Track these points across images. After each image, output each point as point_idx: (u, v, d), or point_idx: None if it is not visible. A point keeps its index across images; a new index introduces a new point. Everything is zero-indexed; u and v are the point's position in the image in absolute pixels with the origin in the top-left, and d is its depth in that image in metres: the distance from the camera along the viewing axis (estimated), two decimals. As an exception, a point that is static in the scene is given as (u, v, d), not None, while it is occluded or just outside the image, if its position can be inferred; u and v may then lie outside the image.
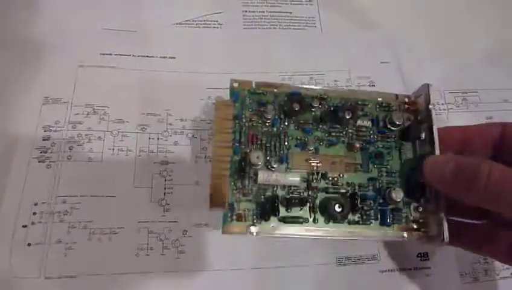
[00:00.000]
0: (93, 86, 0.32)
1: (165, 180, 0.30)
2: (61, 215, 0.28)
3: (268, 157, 0.25)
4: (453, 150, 0.26)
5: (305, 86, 0.27)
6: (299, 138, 0.26)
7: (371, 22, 0.38)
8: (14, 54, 0.32)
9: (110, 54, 0.33)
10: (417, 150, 0.26)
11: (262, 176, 0.24)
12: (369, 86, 0.35)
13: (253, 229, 0.24)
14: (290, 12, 0.38)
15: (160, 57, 0.34)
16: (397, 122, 0.26)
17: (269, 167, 0.25)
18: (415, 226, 0.25)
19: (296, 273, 0.29)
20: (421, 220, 0.25)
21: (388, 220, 0.25)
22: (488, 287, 0.30)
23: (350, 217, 0.25)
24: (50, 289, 0.26)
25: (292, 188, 0.25)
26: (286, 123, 0.26)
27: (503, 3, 0.41)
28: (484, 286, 0.30)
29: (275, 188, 0.25)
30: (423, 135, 0.26)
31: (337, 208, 0.24)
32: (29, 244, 0.27)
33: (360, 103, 0.27)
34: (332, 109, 0.26)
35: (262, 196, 0.24)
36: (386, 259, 0.30)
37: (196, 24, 0.36)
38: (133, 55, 0.34)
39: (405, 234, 0.25)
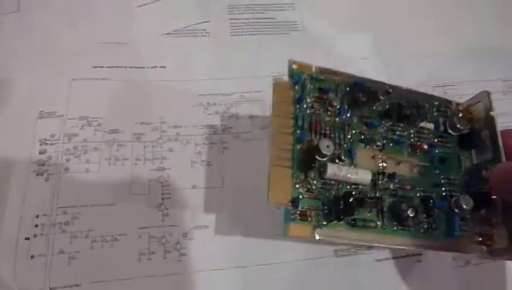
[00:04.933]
0: (87, 99, 0.32)
1: (162, 186, 0.31)
2: (62, 226, 0.28)
3: (335, 150, 0.22)
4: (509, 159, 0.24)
5: (368, 78, 0.25)
6: (363, 132, 0.24)
7: (352, 22, 0.40)
8: (7, 69, 0.33)
9: (102, 67, 0.34)
10: (473, 158, 0.25)
11: (332, 170, 0.22)
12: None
13: (319, 231, 0.21)
14: (274, 18, 0.39)
15: (152, 67, 0.35)
16: (460, 127, 0.25)
17: (337, 160, 0.22)
18: (479, 239, 0.24)
19: (296, 267, 0.30)
20: (484, 233, 0.24)
21: (456, 231, 0.23)
22: (479, 269, 0.31)
23: (421, 224, 0.23)
24: (55, 299, 0.27)
25: (360, 187, 0.23)
26: (349, 115, 0.24)
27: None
28: (476, 268, 0.31)
29: (340, 185, 0.22)
30: (487, 142, 0.25)
31: (411, 212, 0.22)
32: (32, 257, 0.27)
33: (420, 103, 0.25)
34: (399, 106, 0.24)
35: (327, 193, 0.22)
36: (380, 248, 0.31)
37: (185, 33, 0.37)
38: (124, 67, 0.34)
39: (472, 248, 0.23)
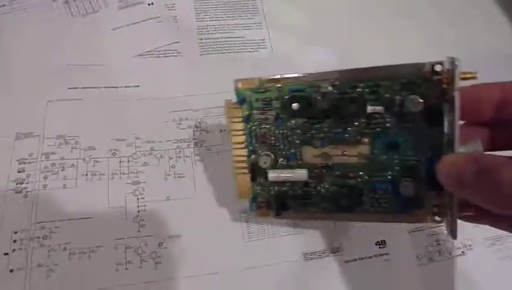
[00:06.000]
0: (63, 118, 0.34)
1: (138, 199, 0.32)
2: (40, 240, 0.29)
3: (277, 158, 0.27)
4: (488, 116, 0.23)
5: (312, 73, 0.25)
6: (306, 133, 0.26)
7: (315, 39, 0.42)
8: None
9: (77, 88, 0.36)
10: (444, 130, 0.22)
11: (272, 175, 0.27)
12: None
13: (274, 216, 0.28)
14: (243, 37, 0.42)
15: (125, 86, 0.37)
16: (413, 110, 0.22)
17: (279, 165, 0.27)
18: (434, 211, 0.24)
19: (267, 272, 0.31)
20: (439, 206, 0.24)
21: (401, 209, 0.25)
22: (442, 265, 0.33)
23: (359, 207, 0.26)
24: (34, 311, 0.28)
25: (305, 181, 0.27)
26: (293, 121, 0.26)
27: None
28: (438, 265, 0.33)
29: (288, 184, 0.27)
30: (445, 122, 0.22)
31: (345, 202, 0.26)
32: (11, 271, 0.28)
33: (371, 83, 0.24)
34: (337, 103, 0.25)
35: (276, 189, 0.28)
36: (348, 250, 0.32)
37: (156, 54, 0.39)
38: (98, 87, 0.36)
39: (426, 218, 0.24)
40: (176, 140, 0.35)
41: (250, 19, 0.43)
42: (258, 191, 0.28)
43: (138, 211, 0.32)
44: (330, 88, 0.25)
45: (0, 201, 0.30)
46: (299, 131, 0.26)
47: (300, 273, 0.31)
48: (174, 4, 0.42)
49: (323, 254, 0.32)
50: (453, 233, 0.23)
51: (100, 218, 0.31)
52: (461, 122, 0.22)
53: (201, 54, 0.40)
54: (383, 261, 0.33)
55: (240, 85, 0.27)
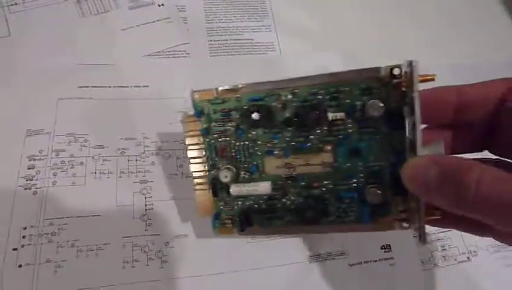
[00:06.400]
0: (73, 116, 0.34)
1: (145, 197, 0.32)
2: (49, 237, 0.30)
3: (238, 172, 0.26)
4: (446, 117, 0.23)
5: (271, 81, 0.25)
6: (268, 143, 0.25)
7: (324, 43, 0.42)
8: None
9: (88, 87, 0.36)
10: (406, 133, 0.22)
11: (234, 190, 0.26)
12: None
13: (237, 233, 0.27)
14: (252, 39, 0.42)
15: (135, 86, 0.37)
16: (374, 115, 0.22)
17: (241, 179, 0.26)
18: (402, 216, 0.23)
19: (272, 273, 0.31)
20: (405, 212, 0.23)
21: (366, 219, 0.24)
22: (446, 270, 0.33)
23: (325, 218, 0.25)
24: (42, 306, 0.28)
25: (269, 194, 0.26)
26: (254, 132, 0.25)
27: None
28: (443, 270, 0.33)
29: (253, 197, 0.26)
30: (407, 125, 0.21)
31: (310, 213, 0.25)
32: (20, 266, 0.29)
33: (332, 89, 0.23)
34: (296, 112, 0.24)
35: (240, 204, 0.27)
36: (353, 253, 0.33)
37: (166, 55, 0.39)
38: (108, 86, 0.36)
39: (393, 225, 0.24)
40: (182, 140, 0.35)
41: (259, 21, 0.43)
42: (222, 207, 0.27)
43: (145, 210, 0.32)
44: (290, 96, 0.24)
45: (10, 197, 0.31)
46: (260, 142, 0.25)
47: (305, 276, 0.31)
48: (184, 6, 0.42)
49: (328, 257, 0.32)
50: (421, 238, 0.22)
51: (108, 216, 0.31)
52: (423, 125, 0.23)
53: (210, 56, 0.40)
54: (387, 265, 0.33)
55: (196, 96, 0.26)
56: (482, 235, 0.24)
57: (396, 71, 0.22)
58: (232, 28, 0.42)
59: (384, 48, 0.43)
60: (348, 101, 0.23)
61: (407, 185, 0.21)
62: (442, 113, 0.24)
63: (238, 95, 0.25)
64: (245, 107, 0.25)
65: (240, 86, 0.25)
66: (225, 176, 0.26)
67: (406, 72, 0.21)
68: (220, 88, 0.26)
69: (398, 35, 0.44)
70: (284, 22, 0.43)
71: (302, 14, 0.44)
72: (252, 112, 0.25)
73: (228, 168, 0.26)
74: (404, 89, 0.22)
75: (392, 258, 0.33)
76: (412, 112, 0.21)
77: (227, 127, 0.26)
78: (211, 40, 0.41)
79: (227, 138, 0.26)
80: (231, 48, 0.41)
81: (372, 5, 0.46)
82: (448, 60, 0.43)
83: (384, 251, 0.33)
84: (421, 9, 0.46)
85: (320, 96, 0.24)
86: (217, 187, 0.27)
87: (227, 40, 0.41)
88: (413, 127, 0.21)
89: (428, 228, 0.23)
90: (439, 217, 0.22)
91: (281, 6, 0.44)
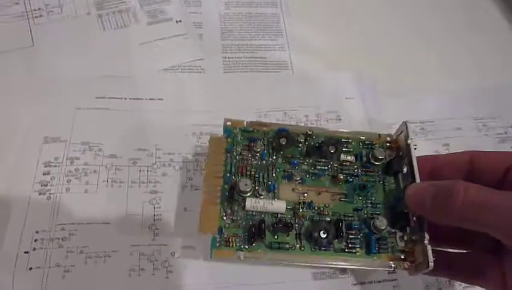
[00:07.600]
0: (89, 126, 0.36)
1: (155, 207, 0.33)
2: (60, 241, 0.31)
3: (256, 186, 0.27)
4: (424, 180, 0.27)
5: (293, 124, 0.30)
6: (286, 170, 0.28)
7: (336, 62, 0.43)
8: (17, 98, 0.36)
9: (104, 98, 0.37)
10: (400, 183, 0.28)
11: (250, 203, 0.27)
12: (337, 119, 0.39)
13: (240, 254, 0.26)
14: (265, 58, 0.43)
15: (150, 99, 0.38)
16: (379, 157, 0.28)
17: (257, 194, 0.27)
18: (402, 256, 0.27)
19: (277, 289, 0.31)
20: (407, 250, 0.27)
21: (374, 249, 0.26)
22: (450, 295, 0.33)
23: (336, 244, 0.26)
24: (49, 309, 0.29)
25: (279, 215, 0.27)
26: (274, 157, 0.29)
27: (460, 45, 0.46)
28: (447, 294, 0.33)
29: (263, 215, 0.27)
30: (404, 169, 0.28)
31: (322, 234, 0.26)
32: (30, 269, 0.29)
33: (343, 140, 0.30)
34: (317, 144, 0.29)
35: (251, 221, 0.27)
36: (357, 273, 0.33)
37: (181, 69, 0.40)
38: (124, 98, 0.38)
39: (392, 264, 0.26)
40: (195, 153, 0.36)
41: (273, 40, 0.44)
42: (228, 224, 0.27)
43: (154, 220, 0.33)
44: (310, 132, 0.29)
45: (25, 201, 0.32)
46: (279, 167, 0.29)
47: (309, 293, 0.32)
48: (201, 22, 0.44)
49: (333, 275, 0.33)
50: (426, 262, 0.24)
51: (117, 224, 0.32)
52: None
53: (224, 72, 0.41)
54: (391, 287, 0.33)
55: (229, 124, 0.29)
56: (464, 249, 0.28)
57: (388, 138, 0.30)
58: (246, 46, 0.43)
59: (395, 68, 0.43)
60: (356, 149, 0.30)
61: (410, 204, 0.25)
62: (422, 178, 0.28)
63: (265, 128, 0.30)
64: (272, 134, 0.29)
65: (268, 122, 0.30)
66: (245, 184, 0.27)
67: (397, 136, 0.30)
68: (250, 120, 0.30)
69: (409, 55, 0.45)
70: (298, 41, 0.44)
71: (316, 34, 0.45)
72: (280, 137, 0.28)
73: (249, 178, 0.27)
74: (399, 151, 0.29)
75: (396, 279, 0.33)
76: (409, 154, 0.28)
77: (251, 152, 0.29)
78: (225, 57, 0.42)
79: (249, 160, 0.29)
80: (245, 66, 0.42)
81: (384, 26, 0.47)
82: (457, 83, 0.43)
83: (388, 272, 0.33)
84: (432, 32, 0.47)
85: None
86: (233, 194, 0.27)
87: (241, 57, 0.42)
88: (411, 164, 0.27)
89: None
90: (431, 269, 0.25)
91: (295, 25, 0.45)
